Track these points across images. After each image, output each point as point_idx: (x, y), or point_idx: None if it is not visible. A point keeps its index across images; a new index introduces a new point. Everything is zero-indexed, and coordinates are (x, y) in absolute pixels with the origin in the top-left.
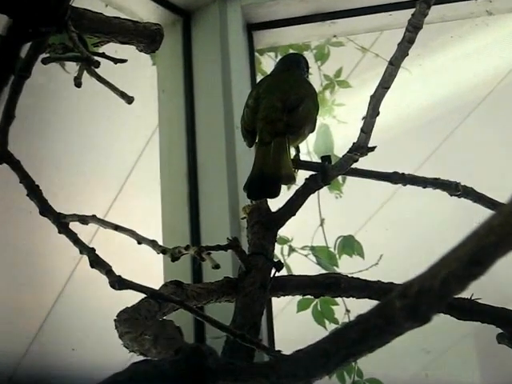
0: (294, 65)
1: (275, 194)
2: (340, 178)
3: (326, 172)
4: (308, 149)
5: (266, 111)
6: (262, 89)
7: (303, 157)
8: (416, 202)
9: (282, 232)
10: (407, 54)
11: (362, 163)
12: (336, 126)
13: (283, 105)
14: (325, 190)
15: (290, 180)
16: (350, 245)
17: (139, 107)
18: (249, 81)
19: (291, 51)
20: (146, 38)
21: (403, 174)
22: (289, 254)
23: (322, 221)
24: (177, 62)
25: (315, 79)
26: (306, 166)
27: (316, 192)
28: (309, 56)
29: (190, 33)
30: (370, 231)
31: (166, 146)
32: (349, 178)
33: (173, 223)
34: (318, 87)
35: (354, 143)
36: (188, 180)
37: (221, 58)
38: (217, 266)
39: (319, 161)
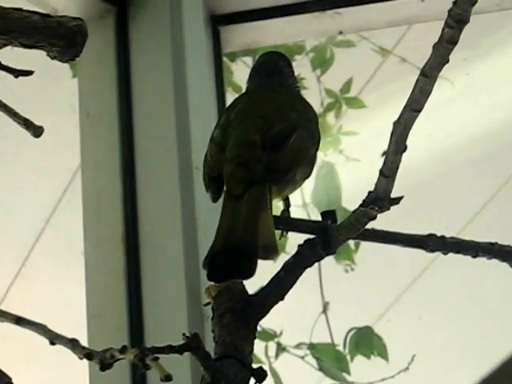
0: (276, 72)
1: (248, 273)
2: (352, 242)
3: (329, 235)
4: (303, 200)
5: (236, 148)
6: (233, 113)
7: (296, 212)
8: (461, 277)
9: (266, 323)
10: (447, 61)
11: (382, 221)
12: (344, 165)
13: (262, 137)
14: (330, 260)
15: (271, 252)
16: (366, 341)
17: (52, 141)
18: (214, 100)
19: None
20: (61, 38)
21: (443, 237)
22: (277, 356)
23: (326, 306)
24: (107, 73)
25: (312, 96)
26: (300, 226)
27: (315, 264)
28: (303, 62)
29: (126, 30)
30: (396, 320)
31: (91, 198)
32: (364, 244)
33: (103, 312)
34: (316, 108)
35: (369, 192)
36: (125, 247)
37: (172, 67)
38: (168, 378)
39: (319, 218)
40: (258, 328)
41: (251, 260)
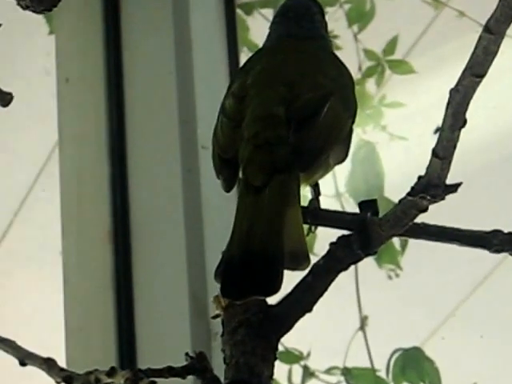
0: (307, 19)
1: (272, 288)
2: (397, 241)
3: (369, 231)
4: (337, 188)
5: (255, 125)
6: (250, 78)
7: (328, 203)
8: None
9: (290, 342)
10: None
11: (435, 214)
12: (388, 144)
13: (287, 110)
14: (370, 263)
15: (300, 260)
16: (415, 365)
17: (23, 111)
18: (225, 63)
19: None
20: None
21: (511, 233)
22: (303, 382)
23: (364, 321)
24: (92, 28)
25: (348, 58)
26: (333, 220)
27: (350, 267)
28: (337, 16)
29: None
30: (451, 340)
31: (71, 184)
32: (412, 243)
33: (85, 326)
34: (353, 73)
35: (419, 177)
36: (113, 247)
37: (173, 22)
38: None
39: (356, 210)
40: (280, 347)
41: (276, 271)
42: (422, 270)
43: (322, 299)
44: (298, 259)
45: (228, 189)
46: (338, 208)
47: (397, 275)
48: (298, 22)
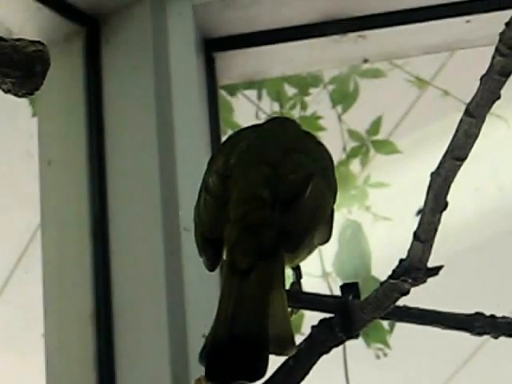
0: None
1: (257, 373)
2: (385, 321)
3: (351, 314)
4: (323, 268)
5: (241, 206)
6: (234, 156)
7: (315, 284)
8: None
9: None
10: (499, 97)
11: (417, 297)
12: (372, 224)
13: (272, 192)
14: (358, 343)
15: (286, 345)
16: None
17: (5, 194)
18: (207, 145)
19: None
20: (16, 68)
21: (493, 316)
22: None
23: None
24: (74, 110)
25: (332, 138)
26: (314, 302)
27: (339, 348)
28: (321, 97)
29: (98, 56)
30: None
31: (53, 266)
32: (400, 325)
33: None
34: (337, 154)
35: (401, 260)
36: (95, 329)
37: (155, 104)
38: None
39: (339, 292)
40: None
41: (261, 356)
42: (410, 349)
43: (311, 379)
44: (284, 344)
45: (211, 268)
46: (325, 289)
47: (385, 354)
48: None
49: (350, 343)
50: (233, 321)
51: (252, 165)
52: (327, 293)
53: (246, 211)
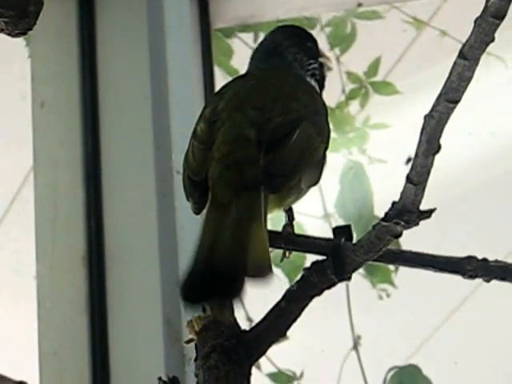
0: (275, 54)
1: (232, 294)
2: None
3: (343, 257)
4: (325, 209)
5: (225, 146)
6: (222, 103)
7: (317, 225)
8: (508, 309)
9: (283, 363)
10: (492, 39)
11: (414, 238)
12: (372, 166)
13: (258, 133)
14: (362, 283)
15: (263, 271)
16: (411, 382)
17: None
18: (201, 88)
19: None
20: (9, 7)
21: (485, 260)
22: None
23: (357, 340)
24: (68, 52)
25: (331, 81)
26: (306, 245)
27: (342, 289)
28: (319, 38)
29: (92, 0)
30: (442, 356)
31: (46, 208)
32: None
33: (59, 350)
34: (336, 95)
35: (393, 203)
36: (87, 271)
37: (148, 47)
38: None
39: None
40: (273, 368)
41: (236, 277)
42: (413, 288)
43: (314, 319)
44: (262, 271)
45: (198, 211)
46: (327, 229)
47: (388, 295)
48: (266, 60)
49: (353, 285)
50: (211, 250)
51: (239, 109)
52: (329, 234)
53: (230, 150)
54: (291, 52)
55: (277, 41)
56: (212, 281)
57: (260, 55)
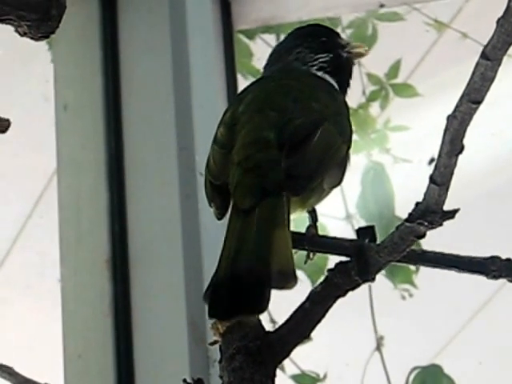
0: (286, 55)
1: (258, 307)
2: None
3: (367, 257)
4: (347, 210)
5: (245, 149)
6: (241, 106)
7: (339, 226)
8: None
9: (306, 364)
10: None
11: (437, 241)
12: (392, 167)
13: (279, 135)
14: (385, 284)
15: (287, 280)
16: (434, 381)
17: (21, 139)
18: (224, 90)
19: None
20: (32, 10)
21: (509, 260)
22: None
23: (380, 341)
24: (91, 55)
25: (352, 82)
26: (330, 246)
27: (365, 290)
28: None
29: (114, 2)
30: (449, 365)
31: (69, 211)
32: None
33: (84, 353)
34: (357, 97)
35: (417, 204)
36: (111, 274)
37: (171, 49)
38: None
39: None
40: (296, 369)
41: (263, 290)
42: (436, 289)
43: (336, 321)
44: (286, 278)
45: (220, 216)
46: (349, 230)
47: (410, 295)
48: (277, 61)
49: (376, 286)
50: (235, 259)
51: (258, 111)
52: (352, 235)
53: (250, 153)
54: (294, 52)
55: (285, 43)
56: (238, 294)
57: (271, 58)
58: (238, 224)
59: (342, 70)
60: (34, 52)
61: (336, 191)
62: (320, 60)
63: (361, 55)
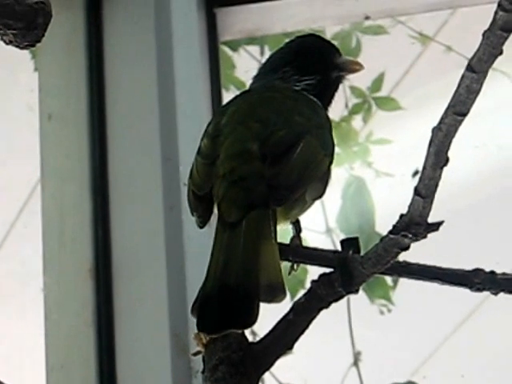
0: (273, 69)
1: (247, 321)
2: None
3: (351, 269)
4: (327, 224)
5: (229, 161)
6: (225, 118)
7: (319, 240)
8: None
9: (284, 377)
10: (501, 52)
11: (417, 253)
12: (374, 180)
13: (261, 146)
14: (362, 299)
15: (276, 293)
16: None
17: (5, 148)
18: (208, 100)
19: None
20: (18, 19)
21: (492, 273)
22: None
23: (357, 356)
24: (75, 65)
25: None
26: (314, 257)
27: (343, 304)
28: None
29: (99, 11)
30: (439, 376)
31: (53, 220)
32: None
33: (66, 364)
34: (339, 110)
35: (401, 216)
36: (94, 283)
37: (156, 59)
38: None
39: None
40: (275, 383)
41: (251, 304)
42: (415, 304)
43: (315, 335)
44: (274, 291)
45: (202, 225)
46: (329, 244)
47: (389, 310)
48: (265, 75)
49: (354, 300)
50: (223, 272)
51: (241, 123)
52: (331, 249)
53: (234, 166)
54: (280, 71)
55: (275, 56)
56: (226, 308)
57: (260, 71)
58: (225, 237)
59: (327, 91)
60: (19, 61)
61: (316, 204)
62: (305, 83)
63: (354, 71)
